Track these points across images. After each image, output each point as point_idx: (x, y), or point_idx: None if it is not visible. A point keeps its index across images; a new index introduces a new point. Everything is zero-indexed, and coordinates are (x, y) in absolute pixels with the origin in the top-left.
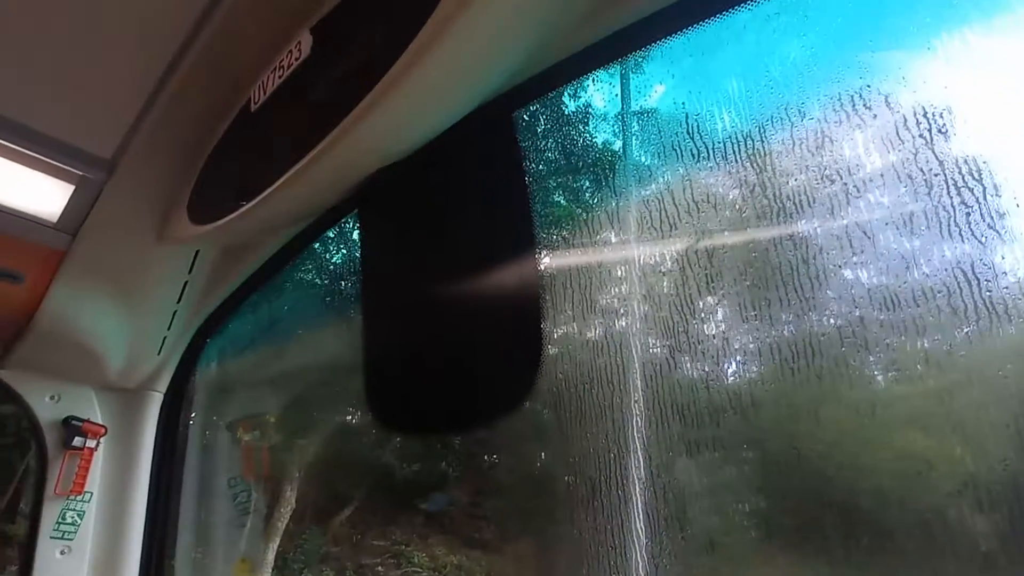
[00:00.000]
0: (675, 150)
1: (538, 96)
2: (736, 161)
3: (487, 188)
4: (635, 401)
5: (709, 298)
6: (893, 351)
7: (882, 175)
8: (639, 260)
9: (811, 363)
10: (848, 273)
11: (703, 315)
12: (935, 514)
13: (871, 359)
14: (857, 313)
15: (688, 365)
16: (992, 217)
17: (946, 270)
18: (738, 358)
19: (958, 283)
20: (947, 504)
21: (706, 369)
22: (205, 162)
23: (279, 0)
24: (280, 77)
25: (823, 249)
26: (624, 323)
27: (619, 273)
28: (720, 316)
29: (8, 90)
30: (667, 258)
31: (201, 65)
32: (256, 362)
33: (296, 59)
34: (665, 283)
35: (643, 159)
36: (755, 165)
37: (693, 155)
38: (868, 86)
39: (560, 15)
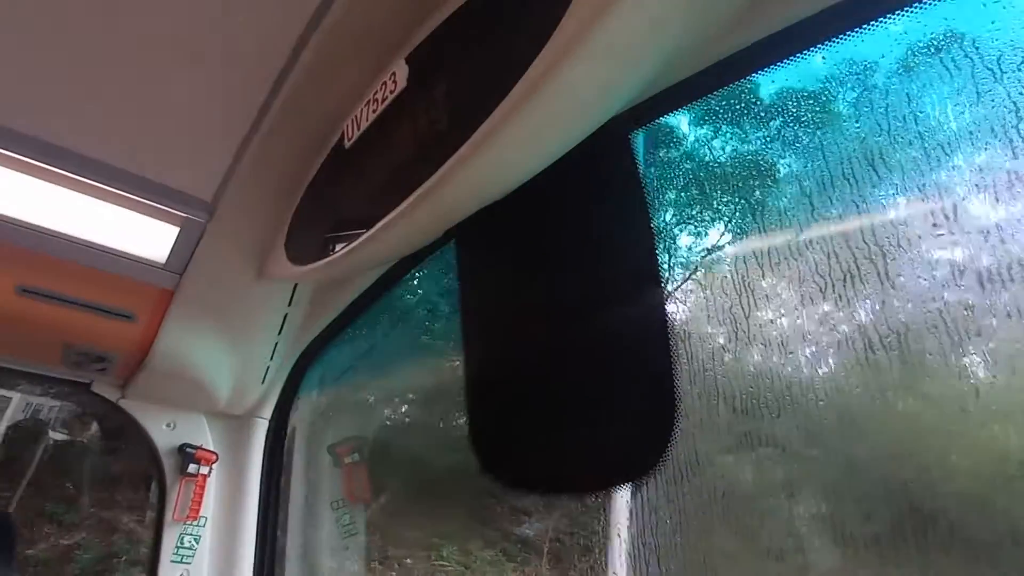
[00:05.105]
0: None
1: (661, 115)
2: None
3: (603, 216)
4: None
5: (769, 279)
6: (991, 337)
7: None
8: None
9: (888, 352)
10: (936, 248)
11: (763, 299)
12: None
13: (964, 346)
14: (947, 295)
15: (747, 354)
16: None
17: None
18: (802, 346)
19: None
20: None
21: (766, 359)
22: (300, 200)
23: (371, 30)
24: (374, 112)
25: (908, 219)
26: (673, 308)
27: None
28: (782, 300)
29: (114, 139)
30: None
31: (293, 103)
32: (354, 387)
33: (391, 92)
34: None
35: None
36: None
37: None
38: None
39: (700, 24)
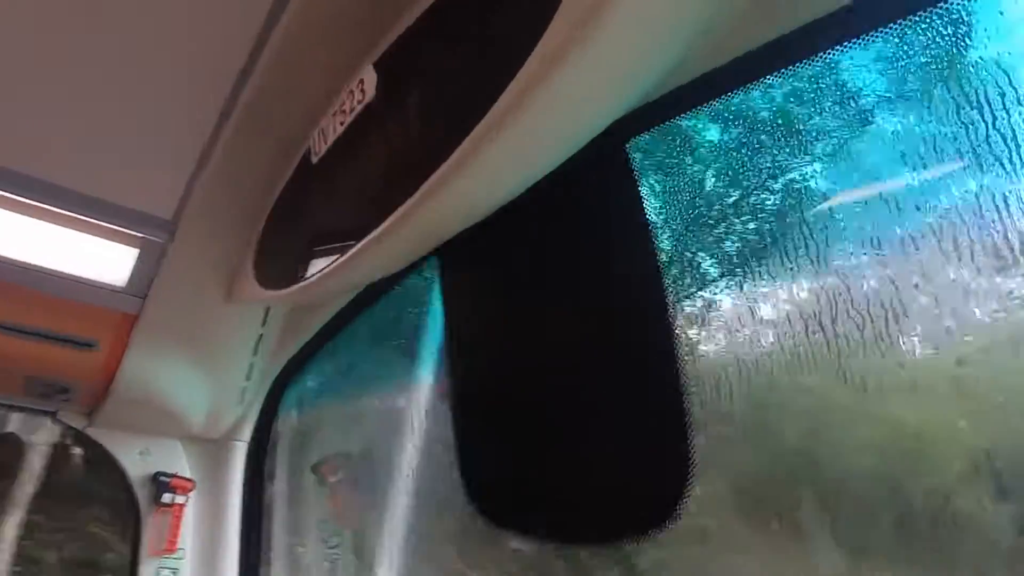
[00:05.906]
0: None
1: (658, 123)
2: None
3: (596, 232)
4: None
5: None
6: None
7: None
8: None
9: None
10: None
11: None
12: (938, 498)
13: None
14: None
15: None
16: None
17: None
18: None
19: None
20: (954, 488)
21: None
22: (267, 219)
23: (333, 31)
24: (342, 124)
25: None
26: None
27: None
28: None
29: (65, 160)
30: None
31: (254, 112)
32: (336, 404)
33: (359, 101)
34: None
35: None
36: None
37: None
38: None
39: (699, 27)
